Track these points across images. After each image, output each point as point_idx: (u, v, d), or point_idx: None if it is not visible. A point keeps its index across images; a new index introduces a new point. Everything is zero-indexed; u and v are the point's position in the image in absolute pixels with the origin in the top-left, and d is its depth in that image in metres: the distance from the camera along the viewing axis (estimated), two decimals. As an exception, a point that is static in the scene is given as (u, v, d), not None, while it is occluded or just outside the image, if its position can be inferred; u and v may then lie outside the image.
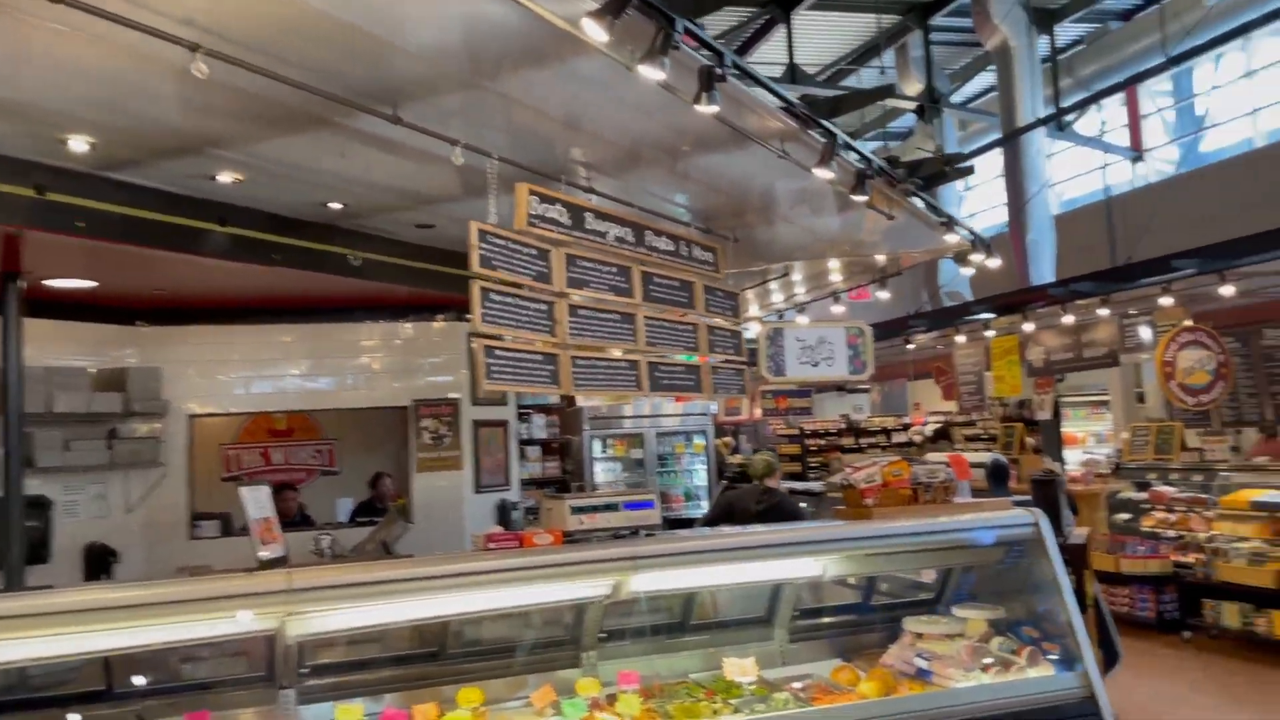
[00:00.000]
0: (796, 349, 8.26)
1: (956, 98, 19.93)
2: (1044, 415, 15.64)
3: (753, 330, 8.71)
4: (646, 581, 4.58)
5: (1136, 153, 19.99)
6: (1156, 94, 20.00)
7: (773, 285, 9.41)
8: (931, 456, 5.34)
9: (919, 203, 6.14)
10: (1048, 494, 5.48)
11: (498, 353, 4.49)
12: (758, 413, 17.73)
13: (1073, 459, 15.79)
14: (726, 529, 5.14)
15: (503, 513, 8.85)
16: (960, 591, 5.66)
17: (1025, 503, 5.91)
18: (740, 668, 4.82)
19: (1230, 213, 13.40)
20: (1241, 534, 9.06)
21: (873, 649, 5.42)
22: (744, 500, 8.13)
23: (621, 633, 5.09)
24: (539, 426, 11.98)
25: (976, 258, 7.32)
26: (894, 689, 4.76)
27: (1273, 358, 12.05)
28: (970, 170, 6.61)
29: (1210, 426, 11.92)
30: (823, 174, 4.81)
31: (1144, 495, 10.35)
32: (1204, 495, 9.66)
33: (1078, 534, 5.84)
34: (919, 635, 5.20)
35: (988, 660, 4.83)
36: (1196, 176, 16.94)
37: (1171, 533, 9.90)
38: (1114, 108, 20.41)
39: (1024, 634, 5.13)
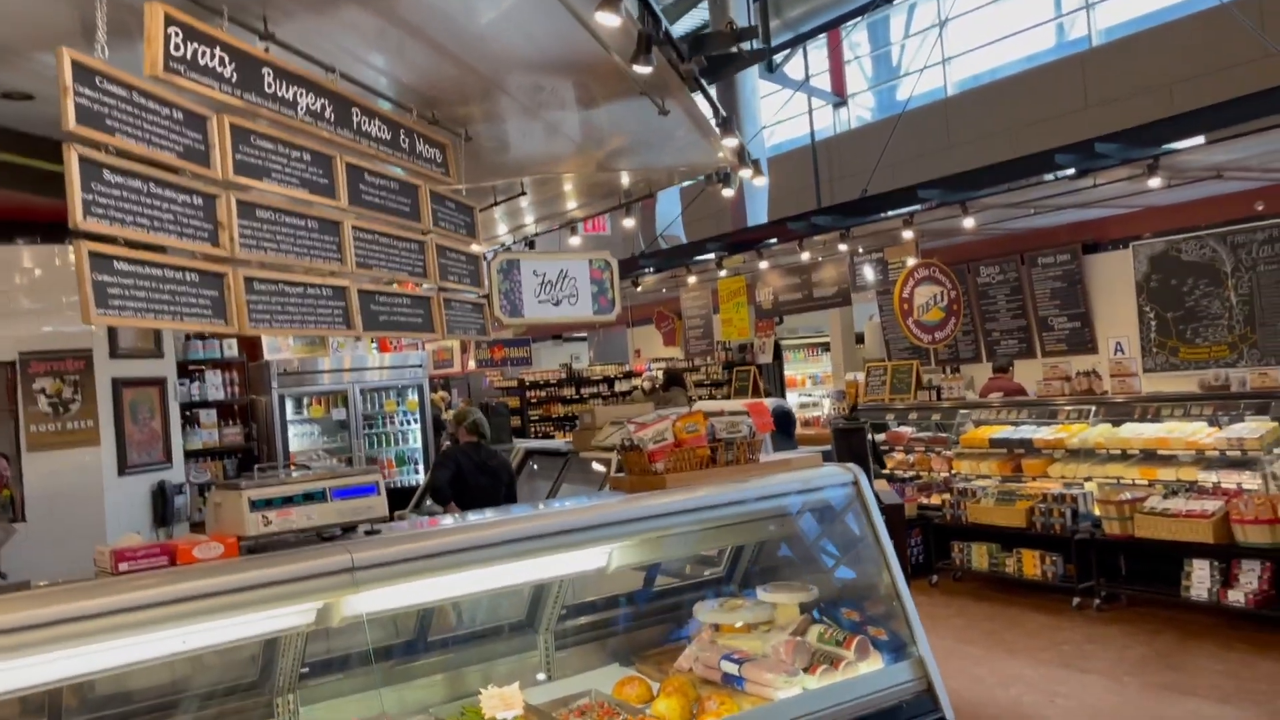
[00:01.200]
0: (535, 285, 6.94)
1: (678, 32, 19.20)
2: (765, 358, 15.41)
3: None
4: (371, 601, 3.17)
5: (840, 98, 20.34)
6: (855, 44, 20.40)
7: (498, 213, 8.00)
8: (726, 405, 4.33)
9: (698, 98, 5.01)
10: (854, 444, 4.57)
11: (118, 266, 2.84)
12: (471, 364, 16.29)
13: (793, 401, 15.71)
14: (479, 516, 3.77)
15: (161, 501, 6.90)
16: (757, 566, 4.68)
17: (827, 455, 5.05)
18: (501, 699, 3.51)
19: (928, 156, 13.54)
20: (982, 472, 8.90)
21: (661, 648, 4.34)
22: (470, 459, 6.87)
23: (332, 664, 3.66)
24: (214, 386, 9.88)
25: (745, 173, 6.33)
26: (701, 706, 3.66)
27: (987, 294, 12.26)
28: (768, 51, 5.54)
29: (929, 365, 11.95)
30: (607, 20, 3.50)
31: (882, 437, 10.06)
32: (943, 435, 9.48)
33: (886, 491, 5.04)
34: (717, 627, 4.15)
35: (811, 657, 3.84)
36: (893, 122, 17.28)
37: (911, 474, 9.66)
38: (820, 53, 20.59)
39: (844, 618, 4.20)
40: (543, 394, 16.65)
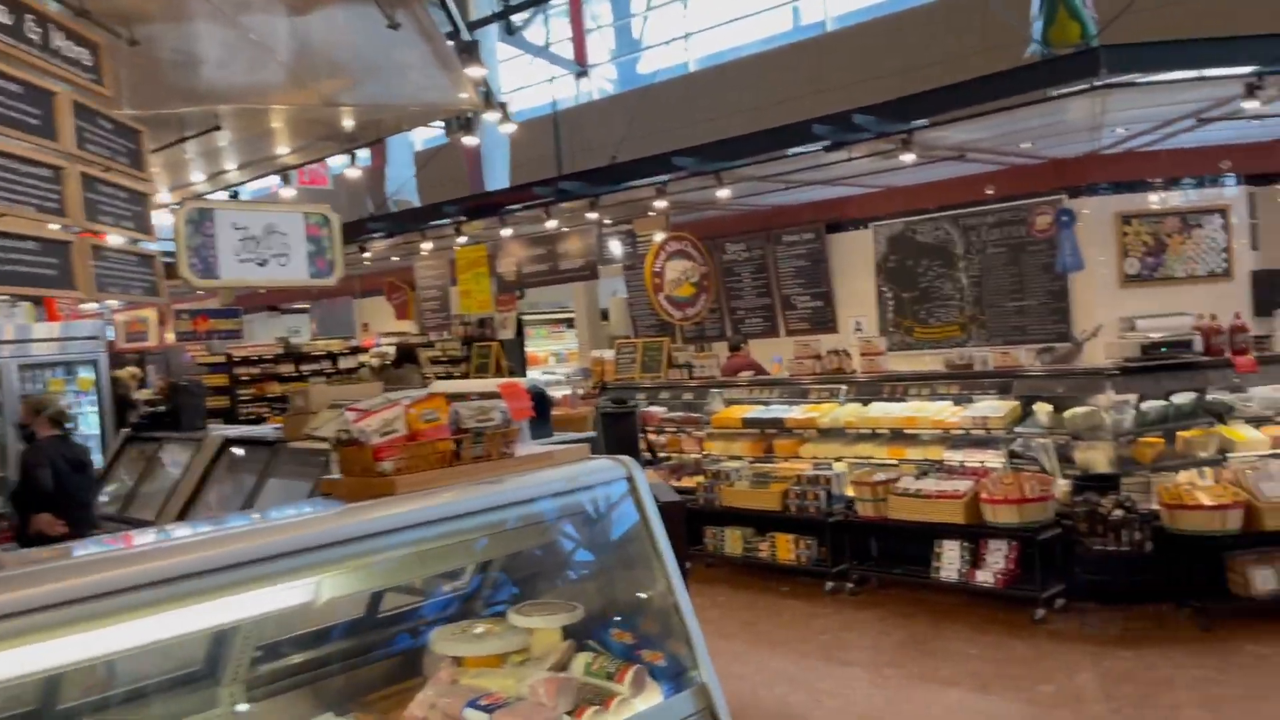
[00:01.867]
0: (235, 240, 5.74)
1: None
2: (507, 334, 14.59)
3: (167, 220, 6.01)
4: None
5: (581, 68, 19.77)
6: (597, 15, 19.89)
7: (192, 153, 6.67)
8: (473, 386, 3.51)
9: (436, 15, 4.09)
10: (624, 433, 3.89)
11: None
12: (170, 336, 14.31)
13: (538, 379, 14.99)
14: (111, 547, 2.73)
15: None
16: (511, 579, 3.89)
17: (585, 442, 4.31)
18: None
19: (673, 132, 13.19)
20: (734, 453, 8.57)
21: (389, 690, 3.45)
22: (61, 456, 5.80)
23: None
24: None
25: (491, 118, 5.47)
26: (441, 772, 2.83)
27: (733, 272, 12.06)
28: (507, 9, 4.69)
29: (676, 343, 11.61)
30: None
31: (632, 417, 9.55)
32: (695, 415, 9.08)
33: (661, 485, 4.39)
34: (460, 661, 3.33)
35: (577, 697, 3.12)
36: (637, 95, 16.94)
37: (664, 455, 9.21)
38: (562, 20, 19.89)
39: (615, 641, 3.49)
40: (256, 371, 14.94)
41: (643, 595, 3.57)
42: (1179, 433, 6.70)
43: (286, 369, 15.22)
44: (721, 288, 12.12)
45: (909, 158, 7.81)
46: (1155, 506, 6.10)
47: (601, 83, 20.09)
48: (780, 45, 16.30)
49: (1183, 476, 6.63)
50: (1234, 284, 9.30)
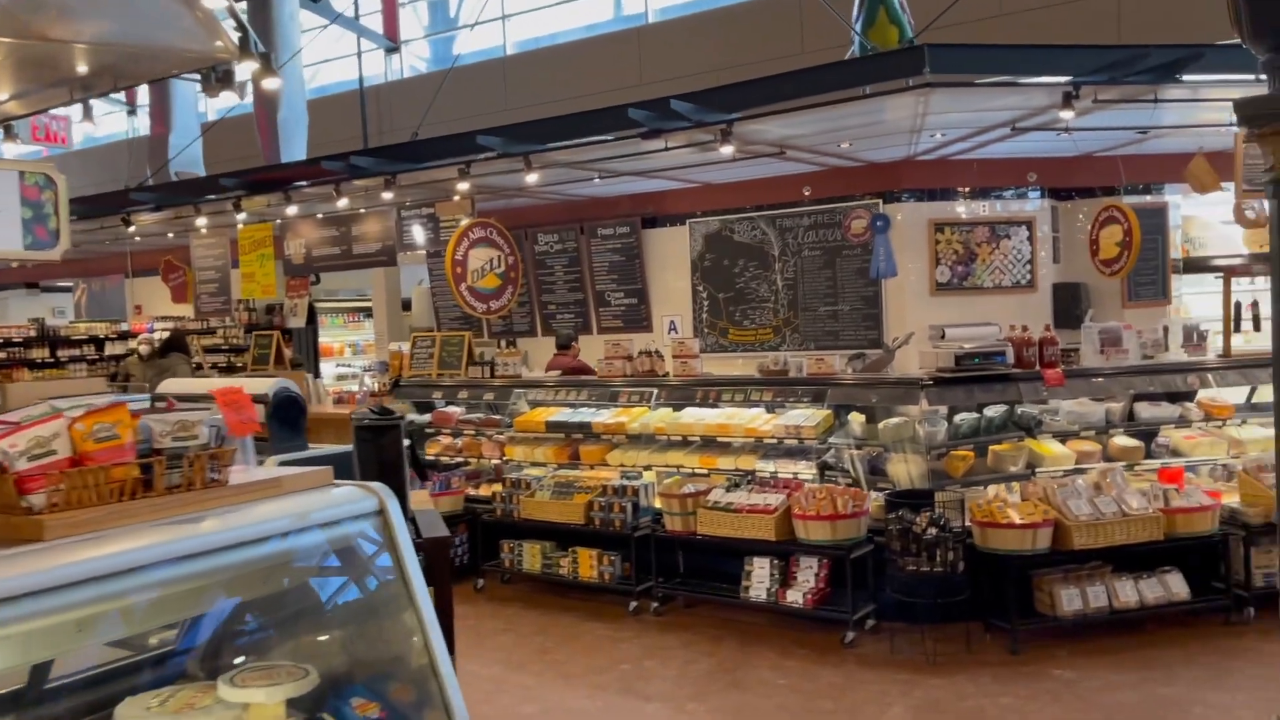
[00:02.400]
0: (-80, 198, 4.68)
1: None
2: (297, 322, 13.43)
3: None
4: None
5: (392, 43, 18.65)
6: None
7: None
8: (190, 386, 2.73)
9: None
10: (385, 450, 3.20)
11: None
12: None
13: (329, 373, 13.89)
14: None
15: None
16: (232, 634, 3.12)
17: (329, 461, 3.57)
18: None
19: (486, 115, 12.44)
20: (537, 458, 7.95)
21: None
22: None
23: None
24: None
25: (245, 70, 4.61)
26: None
27: (545, 264, 11.43)
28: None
29: (483, 337, 10.88)
30: None
31: (428, 418, 8.77)
32: (496, 416, 8.39)
33: (428, 512, 3.69)
34: (151, 746, 2.56)
35: (299, 796, 2.42)
36: (453, 76, 16.05)
37: (459, 460, 8.48)
38: (374, -10, 18.70)
39: (355, 714, 2.80)
40: (2, 355, 13.15)
41: (395, 654, 2.90)
42: (990, 446, 6.55)
43: (40, 353, 13.49)
44: (533, 281, 11.47)
45: (728, 150, 7.39)
46: (968, 524, 5.89)
47: (414, 60, 19.02)
48: (601, 34, 15.79)
49: (992, 491, 6.48)
50: (1037, 295, 9.43)
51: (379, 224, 10.28)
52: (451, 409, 8.67)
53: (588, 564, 6.96)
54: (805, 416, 6.92)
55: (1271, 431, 6.82)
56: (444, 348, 8.92)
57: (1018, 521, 5.68)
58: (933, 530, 5.61)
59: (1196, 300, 10.97)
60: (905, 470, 6.42)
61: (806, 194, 9.71)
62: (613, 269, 10.92)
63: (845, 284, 9.56)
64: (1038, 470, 6.47)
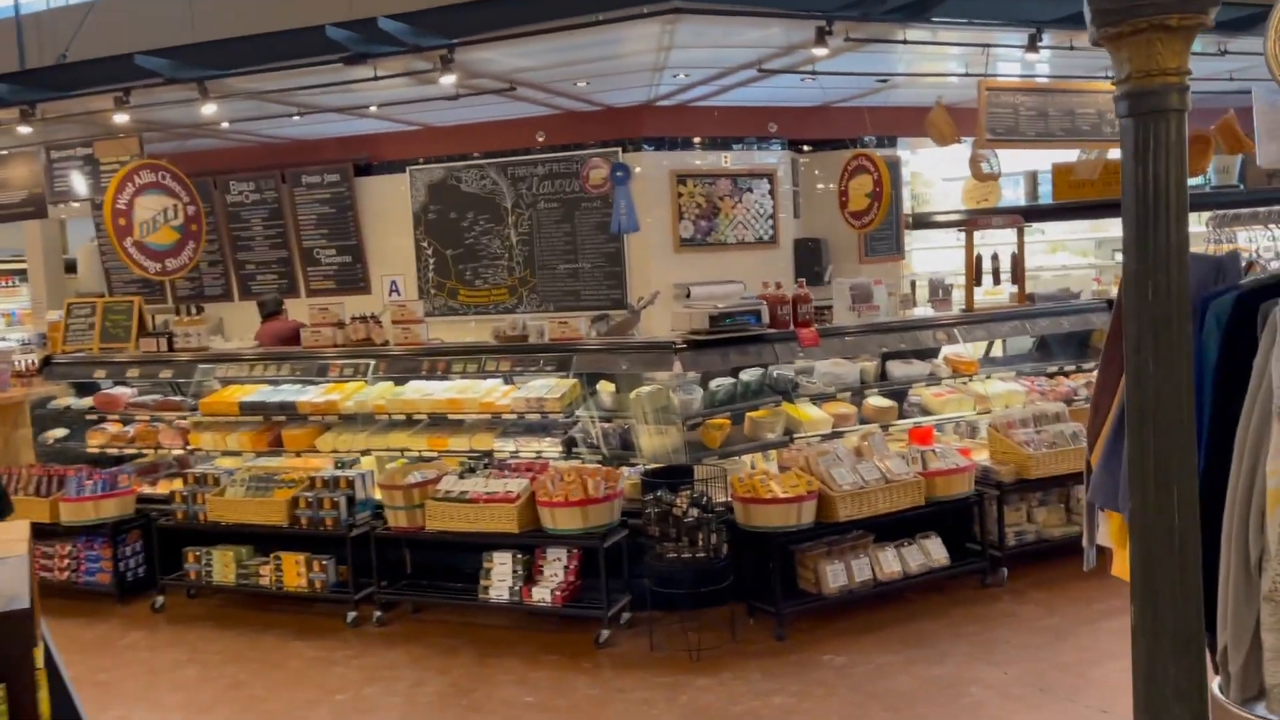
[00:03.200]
0: None
1: None
2: (-73, 289, 11.04)
3: None
4: None
5: (53, -41, 15.83)
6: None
7: None
8: None
9: None
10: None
11: None
12: None
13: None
14: None
15: None
16: None
17: None
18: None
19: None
20: (231, 446, 6.66)
21: None
22: None
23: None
24: None
25: None
26: None
27: (240, 217, 9.91)
28: None
29: (167, 303, 9.27)
30: None
31: (89, 401, 7.20)
32: (179, 398, 6.98)
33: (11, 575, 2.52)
34: None
35: None
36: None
37: (132, 452, 7.01)
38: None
39: None
40: None
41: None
42: (747, 413, 6.04)
43: None
44: (226, 236, 9.91)
45: (449, 81, 6.40)
46: (730, 500, 5.34)
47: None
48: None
49: (750, 462, 6.00)
50: (779, 251, 9.14)
51: (26, 169, 8.39)
52: (120, 391, 7.16)
53: (294, 571, 5.84)
54: (548, 387, 6.13)
55: (1011, 386, 6.79)
56: (107, 317, 7.34)
57: (781, 495, 5.18)
58: (694, 511, 5.00)
59: (924, 256, 11.19)
60: (659, 443, 5.79)
61: (540, 140, 8.87)
62: (322, 223, 9.60)
63: (585, 239, 8.83)
64: (795, 436, 6.04)
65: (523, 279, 9.04)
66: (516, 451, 6.08)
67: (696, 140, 8.81)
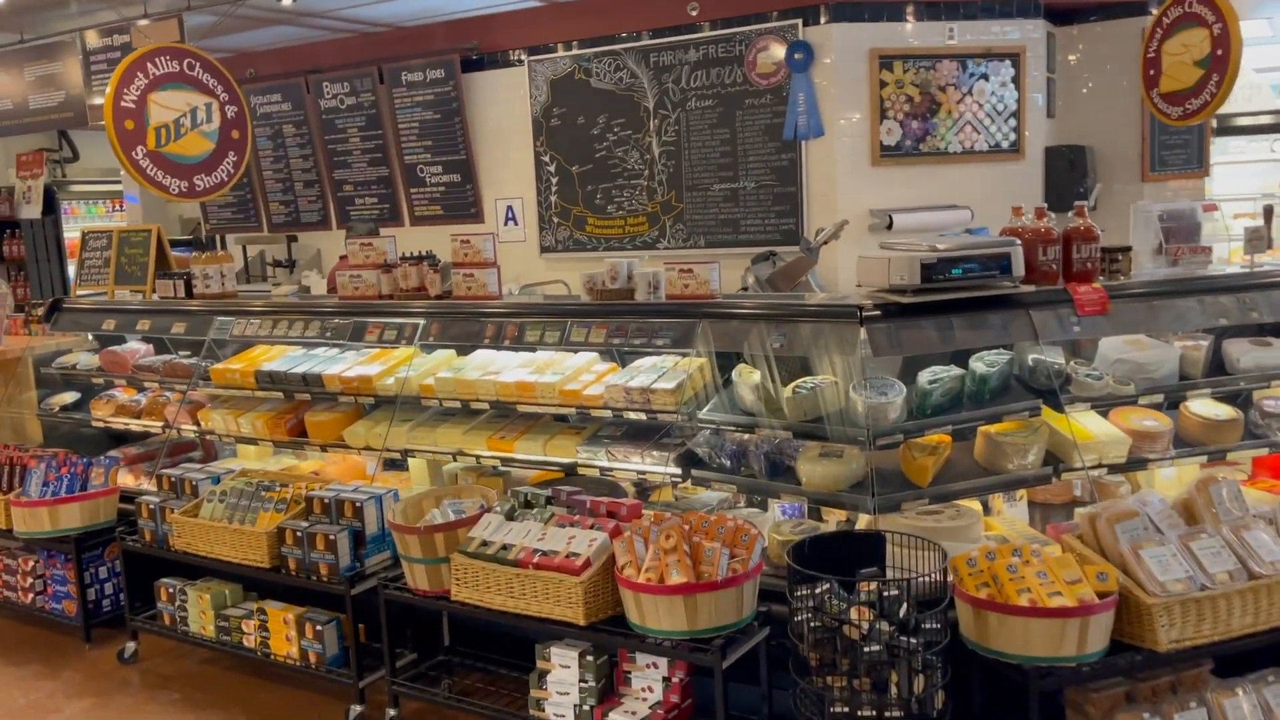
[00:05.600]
0: None
1: None
2: (31, 211, 10.02)
3: None
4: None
5: None
6: None
7: None
8: None
9: None
10: None
11: None
12: None
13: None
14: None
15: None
16: None
17: None
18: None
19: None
20: (245, 431, 4.91)
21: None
22: None
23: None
24: None
25: None
26: None
27: (335, 126, 8.17)
28: None
29: (262, 232, 7.71)
30: None
31: (94, 361, 5.63)
32: (191, 360, 5.26)
33: None
34: None
35: None
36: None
37: (142, 429, 5.41)
38: None
39: None
40: None
41: None
42: (981, 428, 3.66)
43: None
44: (321, 151, 8.21)
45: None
46: (950, 592, 3.04)
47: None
48: None
49: (981, 511, 3.69)
50: (1024, 164, 6.50)
51: (62, 63, 6.90)
52: (131, 348, 5.54)
53: (282, 633, 4.02)
54: (660, 371, 3.97)
55: None
56: (123, 250, 5.73)
57: (1047, 602, 2.84)
58: (883, 629, 2.75)
59: (1225, 174, 8.20)
60: (830, 473, 3.54)
61: (693, 14, 6.56)
62: (425, 132, 7.69)
63: (749, 149, 6.52)
64: (1064, 468, 3.63)
65: (666, 203, 6.84)
66: (609, 468, 3.99)
67: (908, 7, 6.26)
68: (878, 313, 3.55)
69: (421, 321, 4.54)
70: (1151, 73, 4.43)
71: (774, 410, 3.71)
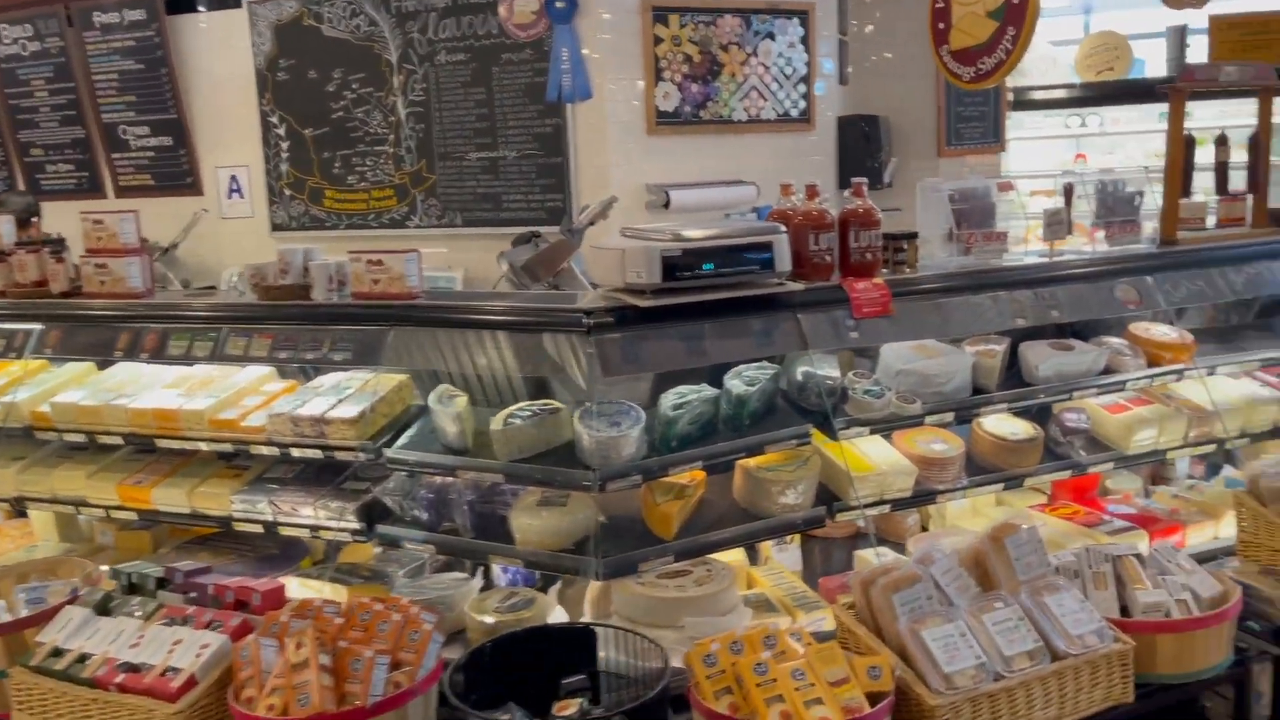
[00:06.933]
0: None
1: None
2: None
3: None
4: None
5: None
6: None
7: None
8: None
9: None
10: None
11: None
12: None
13: None
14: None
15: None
16: None
17: None
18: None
19: None
20: None
21: None
22: None
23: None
24: None
25: None
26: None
27: (17, 79, 6.75)
28: None
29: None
30: None
31: None
32: None
33: None
34: None
35: None
36: None
37: None
38: None
39: None
40: None
41: None
42: (740, 462, 2.92)
43: None
44: (2, 107, 6.78)
45: None
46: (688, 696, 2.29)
47: None
48: None
49: (743, 566, 2.99)
50: (815, 136, 5.89)
51: None
52: None
53: None
54: (341, 393, 3.05)
55: (1248, 388, 3.61)
56: None
57: (805, 716, 2.11)
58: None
59: (1021, 150, 7.94)
60: (550, 527, 2.73)
61: (439, -48, 5.60)
62: (127, 85, 6.41)
63: (509, 112, 5.63)
64: (838, 507, 2.94)
65: (416, 174, 5.87)
66: (275, 520, 3.05)
67: (687, -46, 5.51)
68: (609, 319, 2.76)
69: (38, 327, 3.45)
70: (941, 25, 3.82)
71: (484, 446, 2.86)
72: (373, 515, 2.97)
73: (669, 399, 2.85)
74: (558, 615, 2.87)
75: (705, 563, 2.82)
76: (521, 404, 2.88)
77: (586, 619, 2.81)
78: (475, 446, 2.87)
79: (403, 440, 2.97)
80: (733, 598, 2.74)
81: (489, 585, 3.06)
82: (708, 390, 2.90)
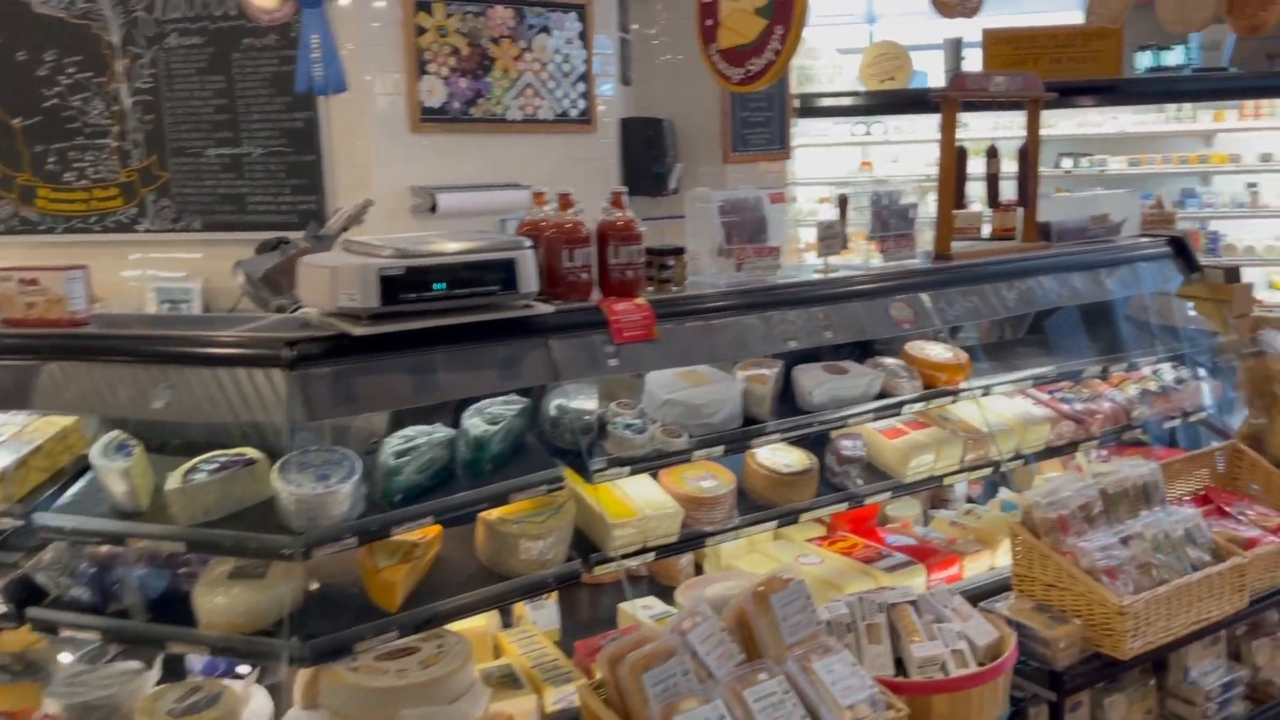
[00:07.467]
0: None
1: None
2: None
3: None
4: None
5: None
6: None
7: None
8: None
9: None
10: None
11: None
12: None
13: None
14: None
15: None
16: None
17: None
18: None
19: None
20: None
21: None
22: None
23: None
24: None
25: None
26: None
27: None
28: None
29: None
30: None
31: None
32: None
33: None
34: None
35: None
36: None
37: None
38: None
39: None
40: None
41: None
42: (483, 514, 2.53)
43: None
44: None
45: None
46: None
47: None
48: None
49: (492, 634, 2.59)
50: (596, 138, 5.57)
51: None
52: None
53: None
54: (-15, 443, 2.46)
55: (1024, 407, 3.52)
56: None
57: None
58: None
59: (807, 157, 7.95)
60: (242, 603, 2.25)
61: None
62: None
63: (252, 104, 5.02)
64: (595, 559, 2.60)
65: (146, 172, 5.16)
66: (-108, 612, 2.41)
67: (454, -63, 5.07)
68: (316, 350, 2.30)
69: None
70: (709, 22, 3.55)
71: (163, 507, 2.34)
72: (24, 595, 2.39)
73: (392, 444, 2.42)
74: (257, 709, 2.38)
75: (439, 636, 2.40)
76: (208, 455, 2.38)
77: (295, 710, 2.34)
78: (152, 508, 2.35)
79: (62, 501, 2.41)
80: (465, 679, 2.33)
81: (179, 674, 2.54)
82: (440, 432, 2.49)
